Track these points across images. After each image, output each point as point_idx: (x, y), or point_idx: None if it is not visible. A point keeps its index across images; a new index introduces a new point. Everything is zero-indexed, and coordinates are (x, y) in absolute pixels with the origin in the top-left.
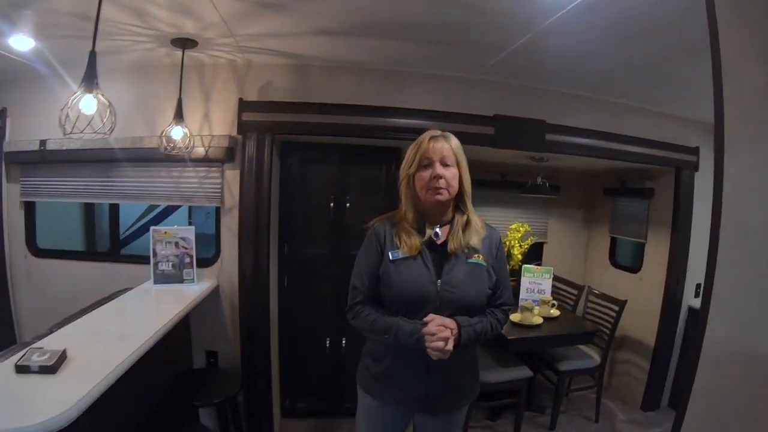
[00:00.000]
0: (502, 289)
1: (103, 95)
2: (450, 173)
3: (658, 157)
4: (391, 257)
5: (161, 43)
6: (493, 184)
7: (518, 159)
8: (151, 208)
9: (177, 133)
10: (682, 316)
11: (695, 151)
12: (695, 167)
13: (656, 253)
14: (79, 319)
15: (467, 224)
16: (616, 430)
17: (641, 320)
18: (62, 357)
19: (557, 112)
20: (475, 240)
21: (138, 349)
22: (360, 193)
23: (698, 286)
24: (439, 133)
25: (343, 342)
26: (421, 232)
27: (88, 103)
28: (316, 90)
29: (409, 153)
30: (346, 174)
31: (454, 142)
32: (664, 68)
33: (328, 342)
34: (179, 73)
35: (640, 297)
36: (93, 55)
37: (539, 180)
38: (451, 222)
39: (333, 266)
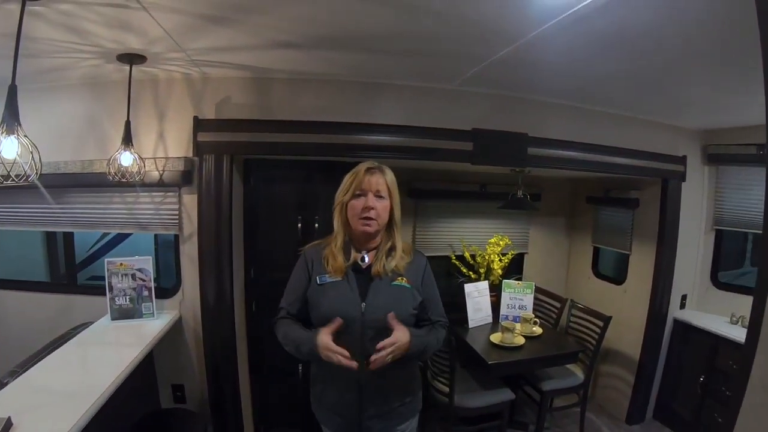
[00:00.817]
0: (434, 308)
1: (26, 136)
2: (381, 205)
3: (645, 168)
4: (319, 281)
5: (107, 59)
6: (472, 195)
7: (498, 169)
8: None
9: (126, 159)
10: (667, 329)
11: (683, 160)
12: (683, 177)
13: (641, 264)
14: (29, 371)
15: (391, 249)
16: None
17: (625, 333)
18: (7, 426)
19: (540, 123)
20: (398, 264)
21: (91, 407)
22: (329, 211)
23: (684, 297)
24: (376, 165)
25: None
26: (349, 256)
27: (8, 147)
28: (279, 105)
29: (346, 181)
30: (314, 192)
31: (389, 176)
32: (653, 79)
33: (300, 367)
34: (134, 90)
35: (625, 309)
36: (13, 90)
37: (520, 193)
38: (377, 248)
39: None
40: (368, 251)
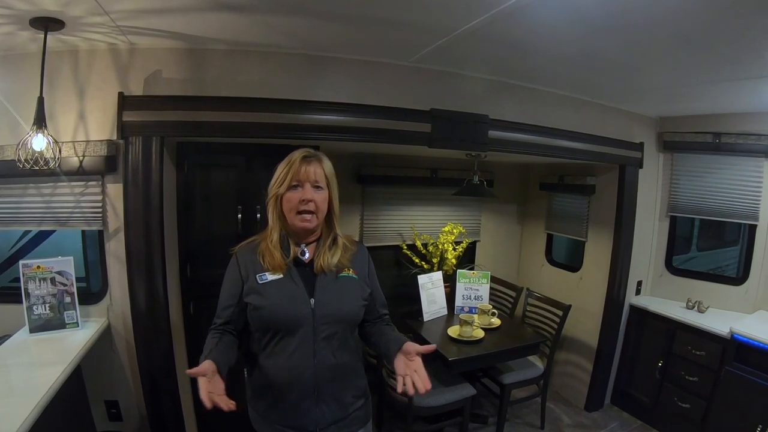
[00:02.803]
0: (379, 300)
1: None
2: (320, 197)
3: (605, 154)
4: (259, 280)
5: (20, 25)
6: (422, 181)
7: (452, 154)
8: None
9: (39, 142)
10: (623, 315)
11: (640, 147)
12: (640, 164)
13: (598, 251)
14: None
15: (334, 242)
16: None
17: (582, 320)
18: None
19: (500, 105)
20: (342, 258)
21: None
22: None
23: (639, 283)
24: (312, 152)
25: None
26: (287, 251)
27: None
28: (215, 81)
29: (280, 171)
30: (255, 179)
31: (327, 165)
32: (617, 63)
33: (245, 372)
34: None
35: (581, 296)
36: None
37: (476, 178)
38: (318, 241)
39: None
40: (307, 244)
